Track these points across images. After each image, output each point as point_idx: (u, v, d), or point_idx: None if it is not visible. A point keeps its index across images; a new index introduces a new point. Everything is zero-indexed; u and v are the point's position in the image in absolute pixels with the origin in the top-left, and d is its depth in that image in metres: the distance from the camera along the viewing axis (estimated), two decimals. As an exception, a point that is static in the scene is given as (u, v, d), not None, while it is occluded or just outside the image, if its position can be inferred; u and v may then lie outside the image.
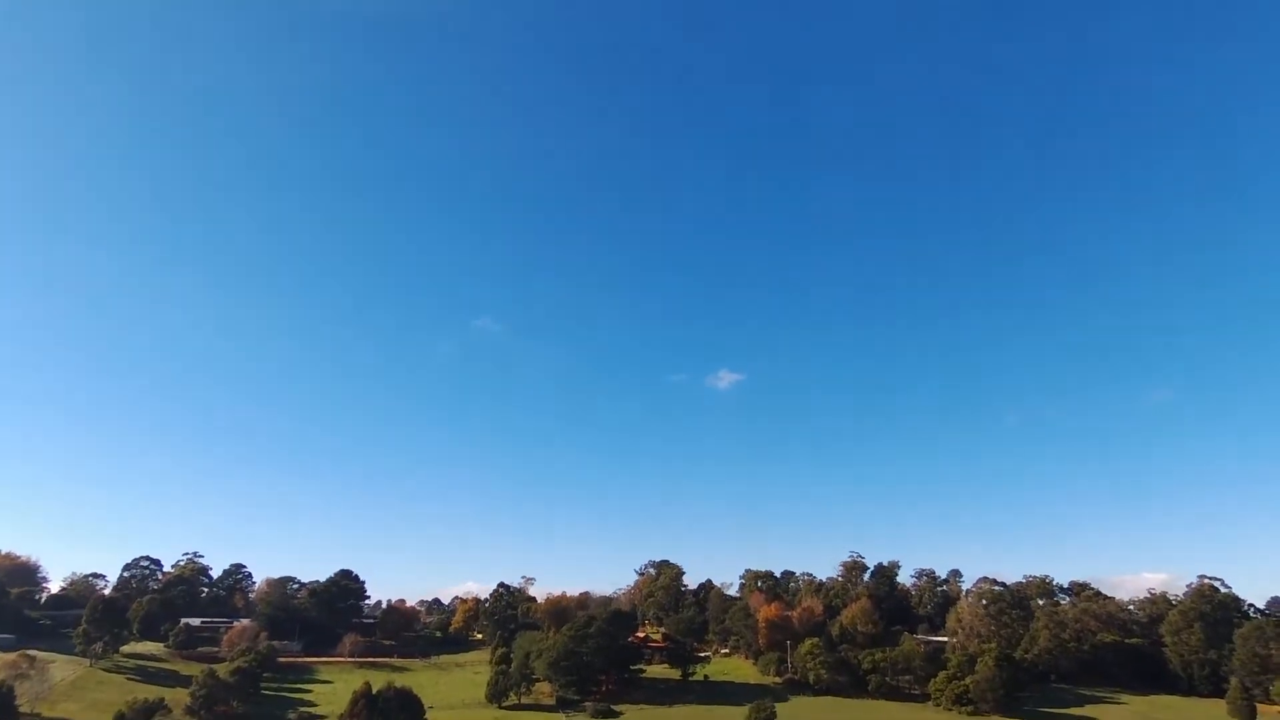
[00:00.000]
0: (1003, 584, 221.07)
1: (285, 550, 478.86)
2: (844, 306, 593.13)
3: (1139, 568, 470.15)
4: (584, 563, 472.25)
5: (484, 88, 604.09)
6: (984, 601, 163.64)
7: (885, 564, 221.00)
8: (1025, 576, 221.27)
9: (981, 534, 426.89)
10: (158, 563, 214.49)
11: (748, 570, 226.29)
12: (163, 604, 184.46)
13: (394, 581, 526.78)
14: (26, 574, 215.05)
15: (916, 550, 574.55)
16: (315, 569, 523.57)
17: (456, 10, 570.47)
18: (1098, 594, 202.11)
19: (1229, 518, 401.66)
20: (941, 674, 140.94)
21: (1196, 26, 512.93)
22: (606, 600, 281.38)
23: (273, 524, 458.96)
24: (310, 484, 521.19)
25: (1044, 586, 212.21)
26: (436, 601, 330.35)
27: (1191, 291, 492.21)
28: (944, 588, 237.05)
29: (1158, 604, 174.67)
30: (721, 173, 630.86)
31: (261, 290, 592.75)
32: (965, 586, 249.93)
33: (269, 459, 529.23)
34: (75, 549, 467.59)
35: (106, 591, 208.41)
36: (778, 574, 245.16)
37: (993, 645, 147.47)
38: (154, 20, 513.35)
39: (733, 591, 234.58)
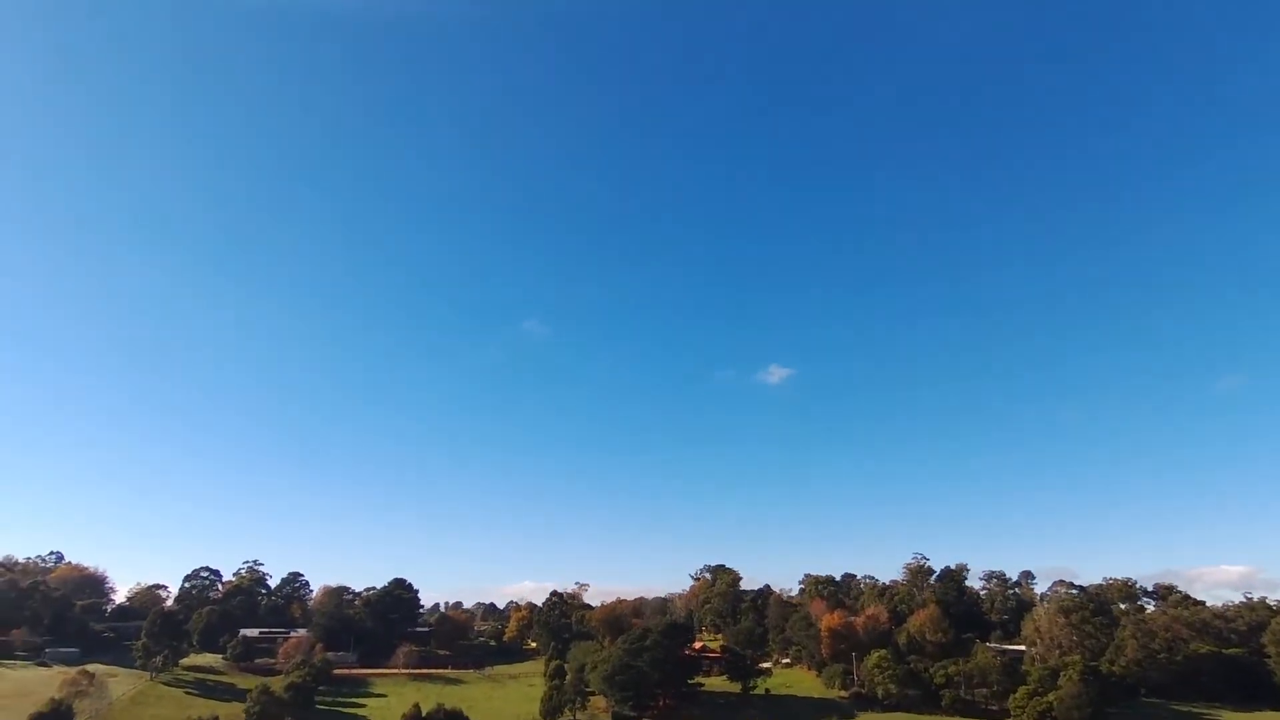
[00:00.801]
0: (1080, 587, 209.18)
1: (343, 554, 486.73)
2: (896, 299, 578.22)
3: (1217, 560, 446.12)
4: (638, 561, 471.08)
5: (528, 96, 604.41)
6: (1064, 609, 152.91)
7: (953, 567, 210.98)
8: (1105, 579, 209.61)
9: (1044, 530, 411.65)
10: (217, 573, 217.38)
11: (807, 575, 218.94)
12: (221, 615, 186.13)
13: (450, 583, 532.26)
14: (94, 585, 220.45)
15: (977, 547, 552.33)
16: (373, 573, 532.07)
17: (504, 23, 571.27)
18: (1186, 598, 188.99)
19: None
20: (1022, 689, 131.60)
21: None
22: (662, 604, 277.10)
23: (331, 529, 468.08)
24: (367, 489, 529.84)
25: (1126, 590, 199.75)
26: (492, 606, 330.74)
27: (1257, 277, 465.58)
28: (1016, 590, 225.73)
29: (1257, 610, 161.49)
30: (767, 171, 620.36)
31: (315, 300, 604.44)
32: (1038, 589, 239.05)
33: (327, 465, 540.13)
34: (144, 557, 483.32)
35: (169, 602, 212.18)
36: (838, 577, 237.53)
37: (1077, 658, 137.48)
38: (186, 25, 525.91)
39: (792, 592, 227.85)
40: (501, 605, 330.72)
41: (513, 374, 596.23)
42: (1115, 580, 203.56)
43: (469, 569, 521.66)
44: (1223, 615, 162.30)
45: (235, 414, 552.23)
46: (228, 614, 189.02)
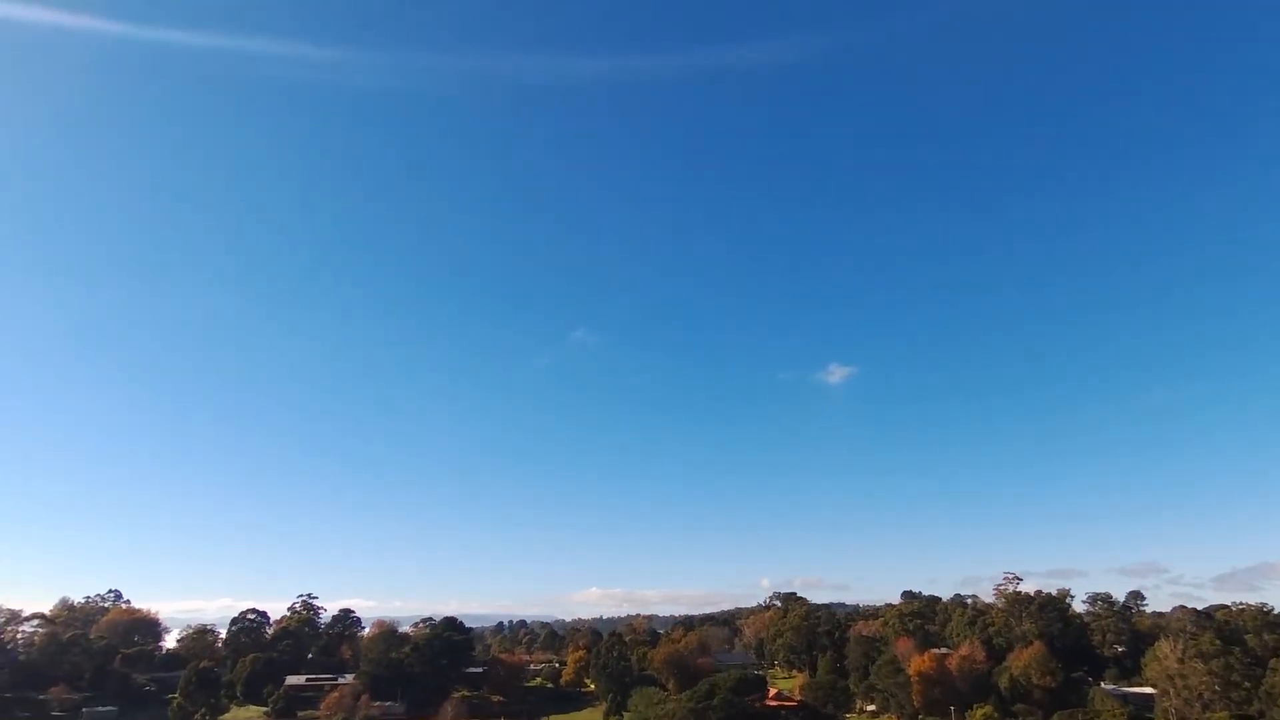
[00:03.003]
0: (1205, 612, 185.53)
1: (409, 576, 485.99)
2: (952, 293, 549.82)
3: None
4: (702, 563, 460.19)
5: (579, 105, 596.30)
6: (1203, 655, 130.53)
7: (1054, 593, 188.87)
8: (1234, 604, 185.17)
9: (1126, 525, 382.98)
10: (265, 615, 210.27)
11: (889, 606, 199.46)
12: (266, 663, 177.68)
13: (515, 590, 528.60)
14: (146, 627, 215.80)
15: (1049, 547, 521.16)
16: (436, 593, 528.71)
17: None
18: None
19: None
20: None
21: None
22: (729, 630, 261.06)
23: (391, 549, 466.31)
24: (428, 510, 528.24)
25: (1262, 617, 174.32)
26: (553, 633, 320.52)
27: None
28: (1126, 610, 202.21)
29: None
30: (816, 171, 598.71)
31: (363, 323, 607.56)
32: (1150, 610, 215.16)
33: (386, 486, 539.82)
34: (212, 588, 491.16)
35: (219, 644, 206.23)
36: (921, 592, 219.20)
37: (1224, 715, 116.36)
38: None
39: (870, 600, 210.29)
40: (568, 619, 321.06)
41: (562, 383, 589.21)
42: (1247, 606, 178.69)
43: (533, 577, 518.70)
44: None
45: (298, 445, 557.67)
46: (273, 661, 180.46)
